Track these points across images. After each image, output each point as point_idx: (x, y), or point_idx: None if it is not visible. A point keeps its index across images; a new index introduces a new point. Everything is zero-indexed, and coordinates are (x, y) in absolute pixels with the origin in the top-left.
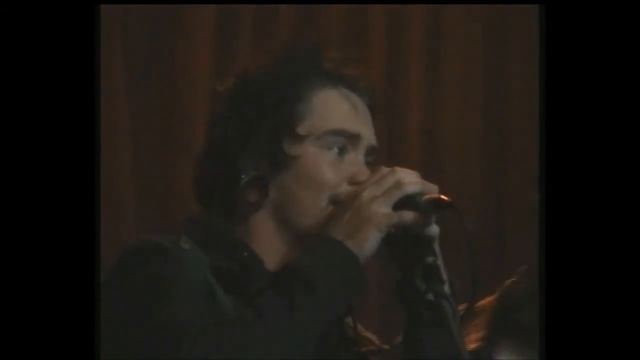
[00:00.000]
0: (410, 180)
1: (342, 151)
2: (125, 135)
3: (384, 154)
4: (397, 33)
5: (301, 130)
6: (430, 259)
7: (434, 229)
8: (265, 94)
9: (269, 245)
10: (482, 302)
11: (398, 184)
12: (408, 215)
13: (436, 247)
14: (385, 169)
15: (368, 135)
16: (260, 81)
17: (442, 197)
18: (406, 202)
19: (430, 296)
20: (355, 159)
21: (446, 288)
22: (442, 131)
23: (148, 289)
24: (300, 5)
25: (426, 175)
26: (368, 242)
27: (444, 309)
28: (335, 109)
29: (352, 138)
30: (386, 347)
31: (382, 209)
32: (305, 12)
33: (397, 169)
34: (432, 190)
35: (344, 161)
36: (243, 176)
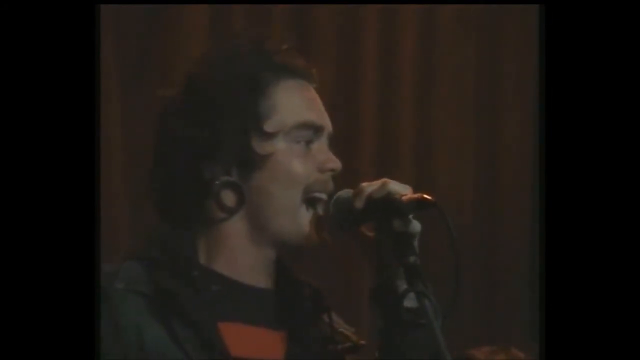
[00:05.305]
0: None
1: (308, 143)
2: (118, 136)
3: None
4: (389, 34)
5: (269, 127)
6: (412, 259)
7: (416, 227)
8: (221, 96)
9: (241, 248)
10: None
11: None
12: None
13: (416, 246)
14: None
15: (329, 124)
16: (213, 83)
17: (425, 196)
18: (390, 205)
19: (408, 302)
20: (321, 147)
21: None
22: (435, 135)
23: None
24: (293, 6)
25: (418, 180)
26: None
27: (425, 309)
28: (298, 101)
29: (318, 129)
30: (362, 342)
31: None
32: (297, 12)
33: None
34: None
35: (311, 151)
36: (217, 182)
